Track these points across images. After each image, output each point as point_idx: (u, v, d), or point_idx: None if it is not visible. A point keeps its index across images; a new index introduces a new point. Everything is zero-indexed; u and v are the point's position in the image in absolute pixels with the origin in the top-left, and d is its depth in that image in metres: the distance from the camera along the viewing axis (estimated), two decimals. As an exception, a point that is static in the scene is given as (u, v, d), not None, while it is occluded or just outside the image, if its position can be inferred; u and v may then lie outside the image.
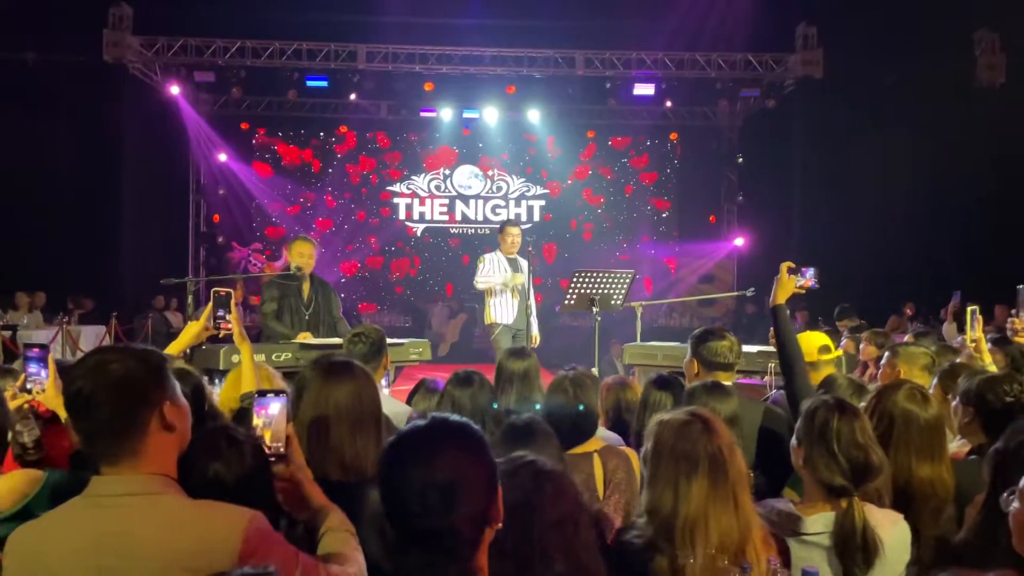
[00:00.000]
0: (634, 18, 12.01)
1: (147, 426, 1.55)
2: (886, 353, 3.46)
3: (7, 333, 8.97)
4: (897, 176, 12.19)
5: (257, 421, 1.80)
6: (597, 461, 2.69)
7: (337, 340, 5.10)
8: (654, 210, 15.46)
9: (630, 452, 2.84)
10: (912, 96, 11.82)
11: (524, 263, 6.75)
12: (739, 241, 14.69)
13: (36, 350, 2.43)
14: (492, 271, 6.73)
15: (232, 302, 2.74)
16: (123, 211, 12.96)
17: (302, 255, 5.46)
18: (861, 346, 4.43)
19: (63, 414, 2.41)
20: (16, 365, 2.82)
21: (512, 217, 15.20)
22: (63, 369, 2.45)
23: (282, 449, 1.77)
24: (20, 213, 11.65)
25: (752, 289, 7.18)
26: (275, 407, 1.79)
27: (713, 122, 14.84)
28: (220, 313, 2.70)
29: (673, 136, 15.26)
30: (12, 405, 2.33)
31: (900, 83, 11.97)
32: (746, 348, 5.53)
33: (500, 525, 1.53)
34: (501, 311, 6.69)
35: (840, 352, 3.76)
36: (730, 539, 1.84)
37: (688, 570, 1.84)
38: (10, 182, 11.72)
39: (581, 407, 2.75)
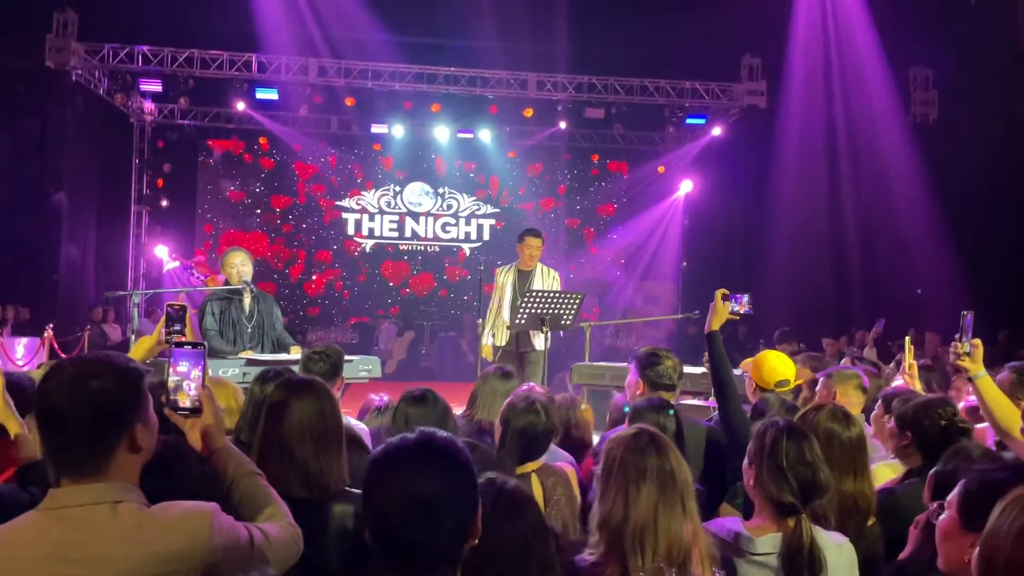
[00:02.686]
0: (587, 43, 12.24)
1: (116, 447, 1.54)
2: (820, 377, 3.60)
3: (-67, 344, 8.62)
4: (838, 205, 12.63)
5: (173, 376, 1.82)
6: (535, 480, 2.73)
7: (283, 356, 5.05)
8: (601, 232, 15.66)
9: (569, 470, 2.90)
10: (850, 129, 12.29)
11: (541, 276, 6.41)
12: (684, 264, 14.97)
13: None
14: (498, 299, 6.37)
15: (187, 316, 2.70)
16: (61, 220, 12.59)
17: (241, 263, 5.36)
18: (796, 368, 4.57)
19: (12, 426, 2.35)
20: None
21: (462, 236, 15.23)
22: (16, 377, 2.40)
23: (198, 403, 1.82)
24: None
25: (697, 312, 7.33)
26: (191, 363, 1.83)
27: (661, 147, 15.16)
28: (176, 328, 2.66)
29: (624, 166, 15.51)
30: None
31: (839, 116, 12.43)
32: (691, 369, 5.67)
33: (475, 542, 1.56)
34: (502, 332, 6.31)
35: (799, 382, 3.87)
36: (679, 545, 1.89)
37: None
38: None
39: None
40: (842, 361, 5.94)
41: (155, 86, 12.26)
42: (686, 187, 14.77)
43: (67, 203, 12.44)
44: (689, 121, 13.70)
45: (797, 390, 4.54)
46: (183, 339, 2.69)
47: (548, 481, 2.72)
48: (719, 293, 3.35)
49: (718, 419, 3.53)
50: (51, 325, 10.21)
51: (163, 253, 13.93)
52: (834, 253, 12.87)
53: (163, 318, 2.69)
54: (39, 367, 3.27)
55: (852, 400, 3.35)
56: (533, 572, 1.76)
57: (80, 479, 1.53)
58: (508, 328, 6.19)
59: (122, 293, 5.35)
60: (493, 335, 6.31)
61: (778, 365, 3.56)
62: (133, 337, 4.81)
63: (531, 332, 6.09)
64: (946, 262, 11.02)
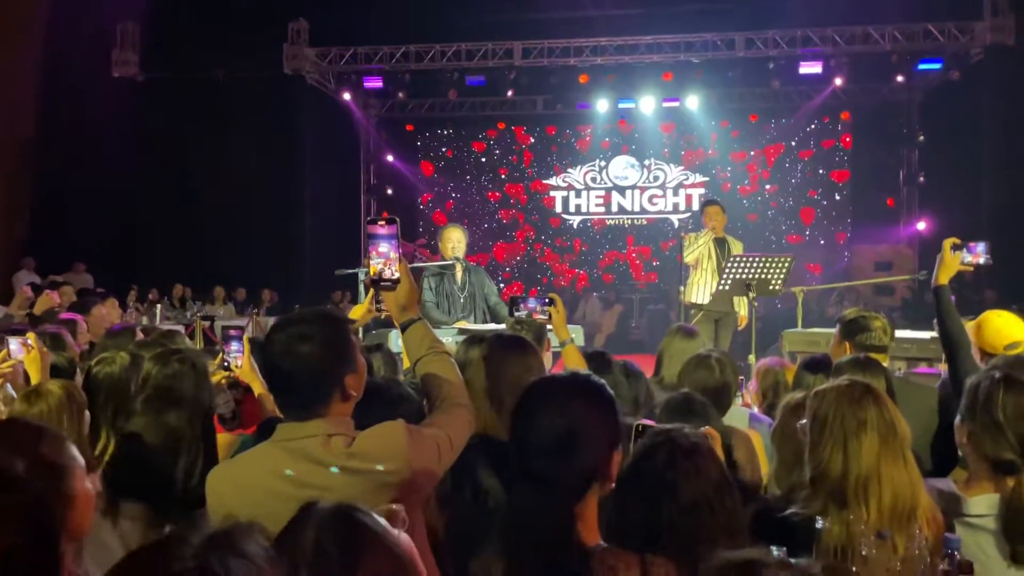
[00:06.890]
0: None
1: (331, 397, 1.75)
2: None
3: (206, 323, 9.94)
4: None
5: (376, 258, 2.00)
6: (717, 439, 2.68)
7: (493, 326, 5.28)
8: (825, 193, 14.70)
9: (753, 433, 2.85)
10: None
11: (733, 243, 6.56)
12: (921, 225, 13.67)
13: (234, 331, 2.84)
14: (697, 247, 6.50)
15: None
16: (304, 211, 13.97)
17: (457, 239, 5.68)
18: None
19: (256, 386, 2.73)
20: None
21: (670, 207, 14.98)
22: (256, 343, 2.79)
23: (396, 275, 1.99)
24: (214, 216, 12.90)
25: (924, 272, 6.69)
26: (388, 243, 2.01)
27: (889, 99, 13.88)
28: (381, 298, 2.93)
29: (845, 115, 14.42)
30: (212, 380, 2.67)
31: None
32: (921, 334, 5.22)
33: (612, 485, 1.60)
34: (699, 291, 6.47)
35: None
36: (904, 497, 1.82)
37: (860, 532, 1.82)
38: (206, 189, 12.98)
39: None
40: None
41: (376, 83, 13.18)
42: (920, 141, 13.42)
43: (309, 196, 13.78)
44: (921, 67, 12.38)
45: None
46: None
47: (728, 442, 2.66)
48: (947, 243, 3.05)
49: (947, 380, 3.23)
50: (297, 306, 11.42)
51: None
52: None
53: (371, 290, 2.95)
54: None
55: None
56: (719, 536, 1.62)
57: (304, 422, 1.75)
58: (712, 293, 6.13)
59: (348, 271, 5.85)
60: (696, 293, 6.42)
61: (1004, 326, 3.10)
62: (361, 311, 5.24)
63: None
64: None
